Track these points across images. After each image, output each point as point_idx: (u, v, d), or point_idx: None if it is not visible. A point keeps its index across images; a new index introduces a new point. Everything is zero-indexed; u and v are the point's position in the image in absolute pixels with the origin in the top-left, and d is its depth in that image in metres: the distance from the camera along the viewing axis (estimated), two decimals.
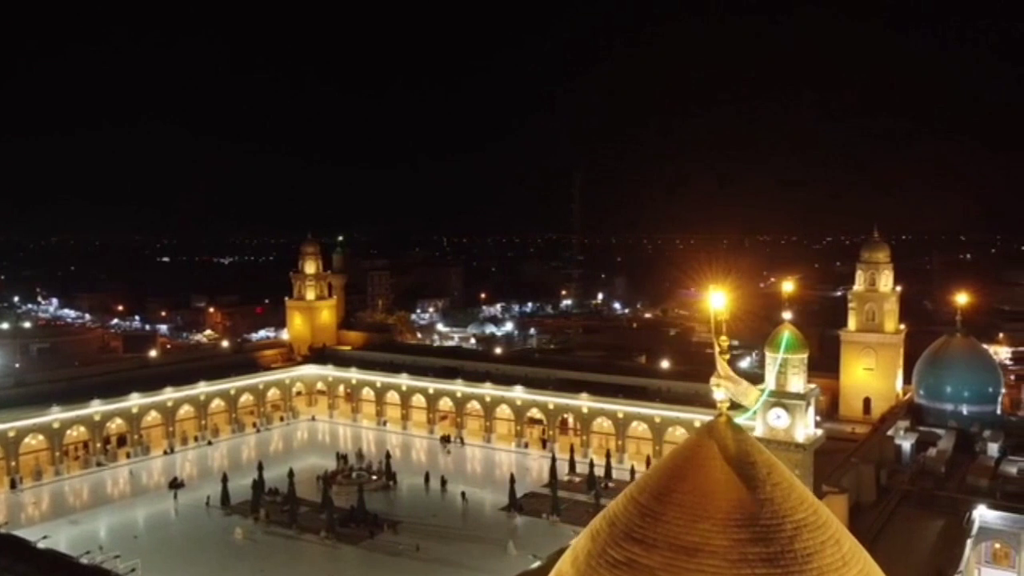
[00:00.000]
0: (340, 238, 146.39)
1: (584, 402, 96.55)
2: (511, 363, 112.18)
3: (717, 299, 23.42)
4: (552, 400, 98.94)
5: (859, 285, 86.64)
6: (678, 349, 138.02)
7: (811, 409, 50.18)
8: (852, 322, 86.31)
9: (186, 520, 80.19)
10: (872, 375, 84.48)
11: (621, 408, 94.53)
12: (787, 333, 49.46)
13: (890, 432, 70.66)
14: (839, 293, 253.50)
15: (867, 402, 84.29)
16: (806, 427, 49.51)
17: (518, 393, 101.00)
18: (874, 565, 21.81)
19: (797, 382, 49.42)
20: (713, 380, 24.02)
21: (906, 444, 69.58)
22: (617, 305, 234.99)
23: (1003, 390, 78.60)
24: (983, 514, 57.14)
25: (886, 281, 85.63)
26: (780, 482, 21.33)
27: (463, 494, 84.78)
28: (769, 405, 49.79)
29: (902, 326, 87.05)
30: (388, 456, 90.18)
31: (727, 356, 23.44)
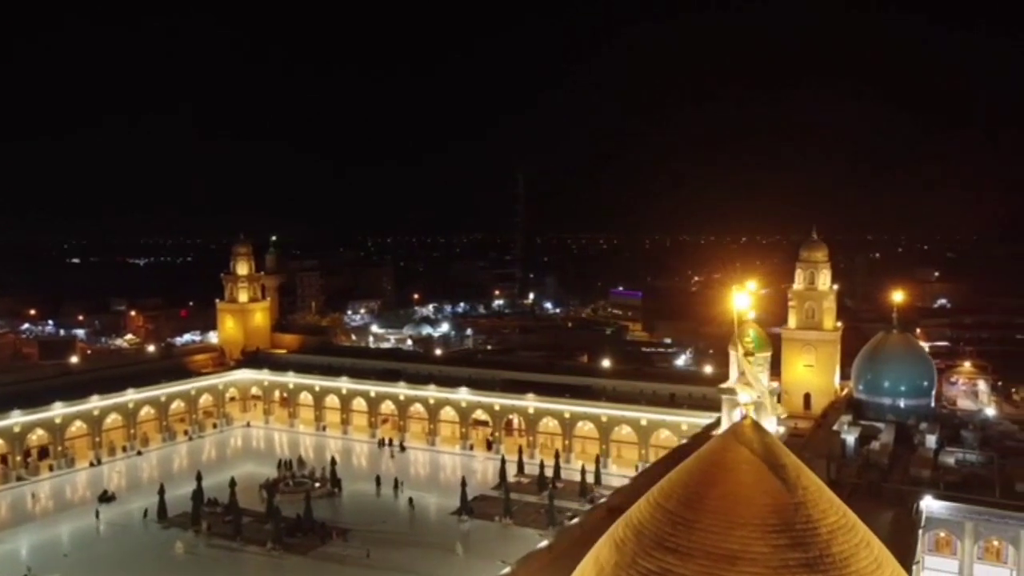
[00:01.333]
0: (274, 238, 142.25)
1: (530, 402, 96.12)
2: (454, 364, 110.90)
3: (741, 300, 23.10)
4: (498, 401, 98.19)
5: (798, 284, 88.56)
6: (615, 348, 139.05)
7: (773, 407, 50.80)
8: (792, 320, 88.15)
9: (120, 535, 76.11)
10: (812, 371, 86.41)
11: (567, 408, 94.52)
12: (751, 331, 49.90)
13: (835, 427, 72.44)
14: (763, 292, 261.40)
15: (807, 397, 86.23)
16: (769, 424, 50.08)
17: (463, 395, 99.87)
18: (900, 568, 21.88)
19: (760, 380, 49.90)
20: (739, 382, 23.75)
21: (850, 438, 71.43)
22: (548, 305, 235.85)
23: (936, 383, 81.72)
24: (929, 505, 59.14)
25: (824, 280, 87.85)
26: (810, 485, 21.11)
27: (410, 499, 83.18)
28: (733, 404, 50.22)
29: (839, 323, 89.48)
30: (333, 462, 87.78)
31: (752, 358, 23.12)
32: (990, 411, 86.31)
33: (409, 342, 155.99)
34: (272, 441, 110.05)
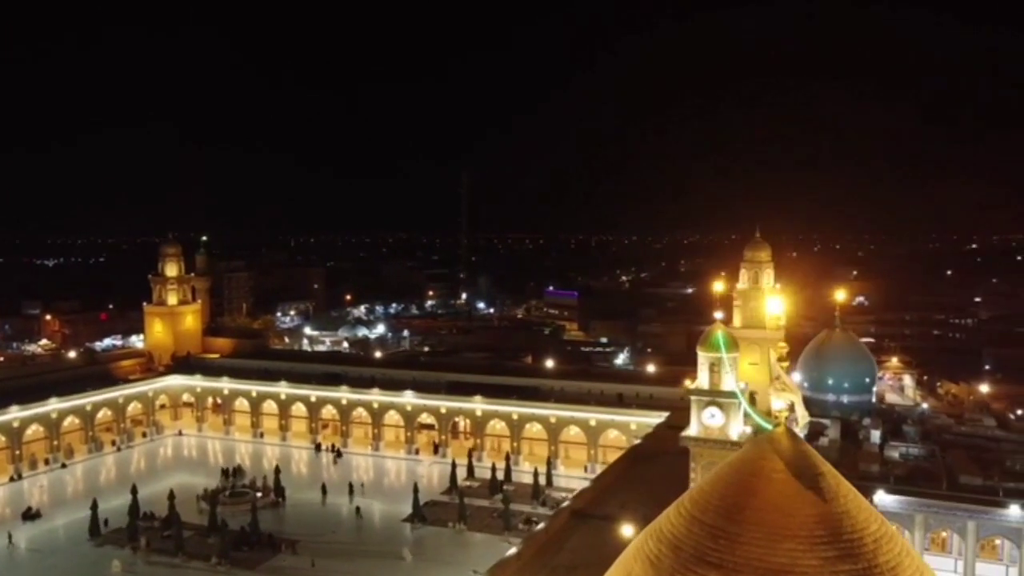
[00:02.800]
0: (204, 238, 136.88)
1: (478, 405, 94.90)
2: (397, 367, 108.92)
3: (775, 305, 22.45)
4: (444, 404, 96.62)
5: (743, 283, 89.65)
6: (555, 348, 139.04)
7: (742, 407, 51.04)
8: (737, 319, 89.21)
9: (50, 555, 71.44)
10: (756, 369, 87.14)
11: (516, 409, 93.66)
12: (720, 333, 50.01)
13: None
14: (690, 291, 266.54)
15: (752, 396, 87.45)
16: (738, 424, 50.31)
17: (408, 398, 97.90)
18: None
19: (730, 381, 50.08)
20: (774, 388, 23.14)
21: (800, 435, 72.73)
22: (481, 305, 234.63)
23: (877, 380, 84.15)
24: (882, 499, 60.57)
25: (768, 279, 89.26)
26: (849, 493, 20.64)
27: (357, 509, 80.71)
28: (703, 404, 50.26)
29: (782, 322, 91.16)
30: (277, 470, 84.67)
31: (786, 364, 22.48)
32: (924, 405, 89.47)
33: (345, 344, 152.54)
34: (206, 450, 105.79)
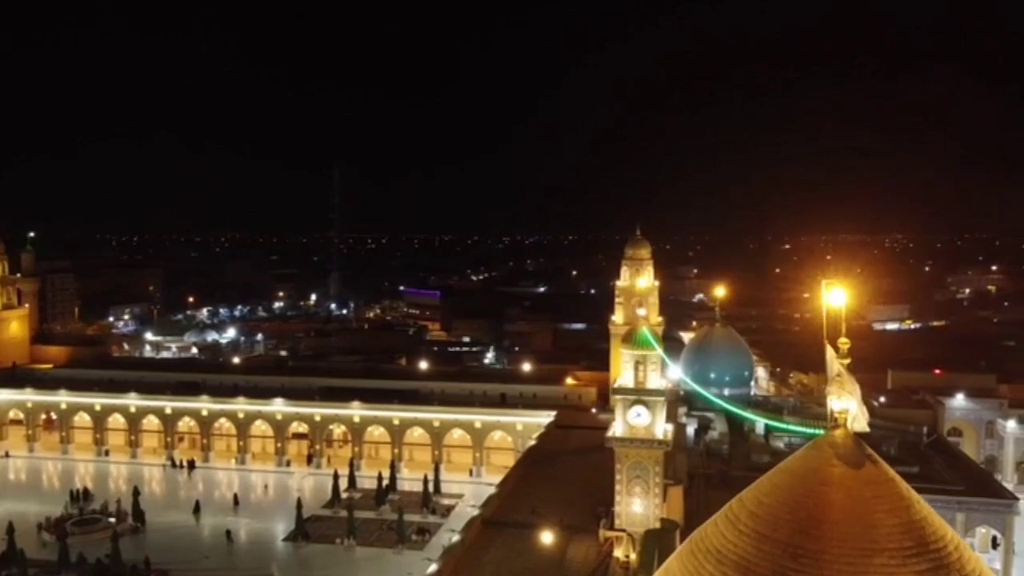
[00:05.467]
0: (31, 234, 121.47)
1: (356, 411, 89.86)
2: (264, 373, 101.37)
3: (836, 297, 20.68)
4: (319, 411, 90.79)
5: (624, 280, 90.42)
6: (422, 349, 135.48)
7: (665, 406, 50.27)
8: (619, 315, 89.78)
9: None
10: None
11: (397, 414, 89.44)
12: (646, 330, 48.95)
13: (678, 419, 74.33)
14: (542, 290, 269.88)
15: None
16: (662, 423, 49.50)
17: (278, 406, 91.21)
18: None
19: (655, 379, 49.13)
20: (831, 388, 21.32)
21: (690, 429, 73.85)
22: (333, 306, 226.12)
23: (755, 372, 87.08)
24: None
25: (647, 276, 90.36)
26: (920, 499, 19.35)
27: (228, 532, 73.53)
28: (629, 403, 49.00)
29: (660, 318, 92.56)
30: (136, 492, 75.93)
31: (848, 361, 20.81)
32: (791, 396, 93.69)
33: (194, 350, 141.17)
34: (39, 472, 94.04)
